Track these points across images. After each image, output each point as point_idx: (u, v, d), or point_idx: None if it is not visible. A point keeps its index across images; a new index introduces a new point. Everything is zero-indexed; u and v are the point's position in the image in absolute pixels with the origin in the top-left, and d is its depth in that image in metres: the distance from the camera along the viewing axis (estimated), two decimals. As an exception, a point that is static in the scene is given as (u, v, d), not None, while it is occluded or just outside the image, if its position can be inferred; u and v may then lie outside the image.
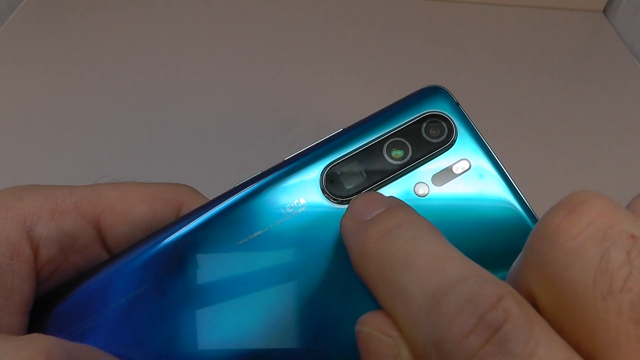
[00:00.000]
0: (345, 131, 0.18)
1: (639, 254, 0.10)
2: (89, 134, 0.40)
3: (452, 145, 0.17)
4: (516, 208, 0.16)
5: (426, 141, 0.17)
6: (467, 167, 0.17)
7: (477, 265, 0.12)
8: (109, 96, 0.43)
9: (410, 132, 0.17)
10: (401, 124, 0.17)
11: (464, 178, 0.17)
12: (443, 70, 0.47)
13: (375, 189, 0.17)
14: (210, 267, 0.17)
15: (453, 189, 0.17)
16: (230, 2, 0.53)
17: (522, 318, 0.10)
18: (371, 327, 0.13)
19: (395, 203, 0.15)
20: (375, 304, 0.14)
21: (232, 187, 0.18)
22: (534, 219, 0.16)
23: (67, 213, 0.17)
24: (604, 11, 0.56)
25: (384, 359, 0.12)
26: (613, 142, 0.42)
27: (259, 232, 0.17)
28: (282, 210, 0.17)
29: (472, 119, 0.17)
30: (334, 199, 0.17)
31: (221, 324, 0.16)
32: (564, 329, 0.11)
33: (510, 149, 0.40)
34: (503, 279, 0.12)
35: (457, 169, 0.17)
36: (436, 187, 0.17)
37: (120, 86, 0.44)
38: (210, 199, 0.18)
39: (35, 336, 0.13)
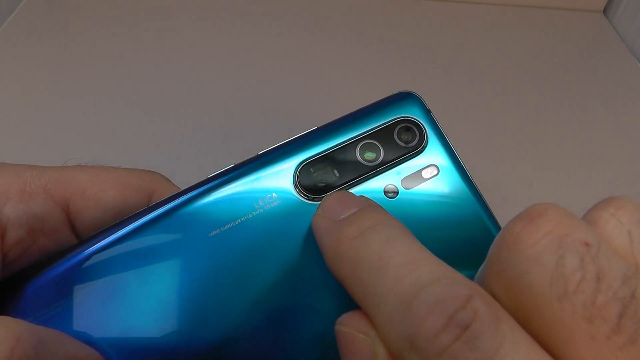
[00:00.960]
0: (320, 129, 0.18)
1: (592, 260, 0.11)
2: (88, 133, 0.40)
3: (422, 150, 0.18)
4: (478, 214, 0.17)
5: (398, 145, 0.18)
6: (436, 172, 0.18)
7: (448, 267, 0.13)
8: (108, 96, 0.43)
9: (383, 136, 0.18)
10: (375, 126, 0.18)
11: (432, 183, 0.17)
12: (443, 69, 0.47)
13: (347, 188, 0.17)
14: (181, 257, 0.17)
15: (421, 193, 0.17)
16: None
17: (489, 316, 0.11)
18: (349, 326, 0.13)
19: (367, 203, 0.15)
20: (343, 298, 0.14)
21: (205, 177, 0.18)
22: (495, 225, 0.17)
23: (37, 195, 0.17)
24: (604, 11, 0.56)
25: (361, 357, 0.13)
26: (613, 142, 0.42)
27: (230, 224, 0.17)
28: (255, 204, 0.17)
29: (442, 127, 0.18)
30: (306, 196, 0.17)
31: (188, 314, 0.16)
32: (525, 328, 0.11)
33: (509, 148, 0.40)
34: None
35: (426, 174, 0.18)
36: (405, 190, 0.17)
37: (120, 86, 0.44)
38: (183, 188, 0.18)
39: (3, 319, 0.13)
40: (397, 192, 0.17)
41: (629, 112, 0.44)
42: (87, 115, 0.42)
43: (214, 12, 0.52)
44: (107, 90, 0.44)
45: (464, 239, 0.17)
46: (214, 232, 0.17)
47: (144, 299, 0.16)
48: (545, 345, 0.11)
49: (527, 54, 0.50)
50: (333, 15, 0.53)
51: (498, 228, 0.17)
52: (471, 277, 0.13)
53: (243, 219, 0.17)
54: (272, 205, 0.17)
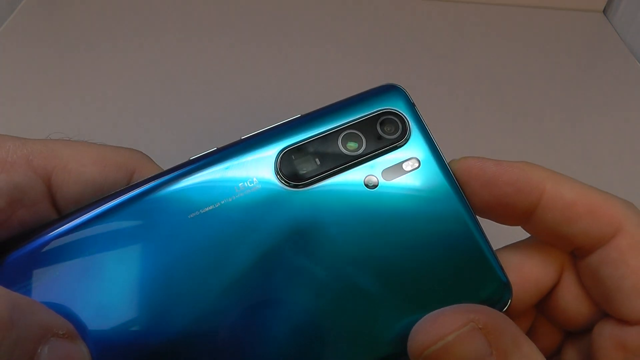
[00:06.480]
0: (304, 117, 0.18)
1: None
2: (88, 133, 0.40)
3: (404, 143, 0.18)
4: (457, 209, 0.17)
5: (380, 136, 0.18)
6: (417, 165, 0.18)
7: None
8: (108, 95, 0.43)
9: (366, 126, 0.18)
10: (358, 117, 0.18)
11: (412, 175, 0.18)
12: (443, 69, 0.47)
13: (328, 176, 0.17)
14: (160, 238, 0.17)
15: (401, 185, 0.17)
16: None
17: None
18: None
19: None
20: (316, 288, 0.16)
21: (186, 159, 0.18)
22: (473, 220, 0.17)
23: (18, 165, 0.17)
24: (604, 11, 0.56)
25: None
26: (613, 142, 0.42)
27: (210, 207, 0.17)
28: (235, 188, 0.17)
29: (425, 121, 0.18)
30: (287, 182, 0.17)
31: (163, 295, 0.16)
32: None
33: (510, 148, 0.41)
34: (431, 275, 0.16)
35: (406, 166, 0.18)
36: (385, 181, 0.17)
37: (120, 86, 0.44)
38: (164, 169, 0.18)
39: None
40: (378, 184, 0.17)
41: (628, 112, 0.44)
42: (87, 114, 0.42)
43: (213, 12, 0.52)
44: (107, 89, 0.44)
45: (441, 233, 0.17)
46: (193, 215, 0.17)
47: (120, 278, 0.16)
48: None
49: (527, 53, 0.50)
50: (332, 15, 0.53)
51: (476, 223, 0.17)
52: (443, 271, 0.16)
53: (223, 202, 0.17)
54: (252, 190, 0.17)
